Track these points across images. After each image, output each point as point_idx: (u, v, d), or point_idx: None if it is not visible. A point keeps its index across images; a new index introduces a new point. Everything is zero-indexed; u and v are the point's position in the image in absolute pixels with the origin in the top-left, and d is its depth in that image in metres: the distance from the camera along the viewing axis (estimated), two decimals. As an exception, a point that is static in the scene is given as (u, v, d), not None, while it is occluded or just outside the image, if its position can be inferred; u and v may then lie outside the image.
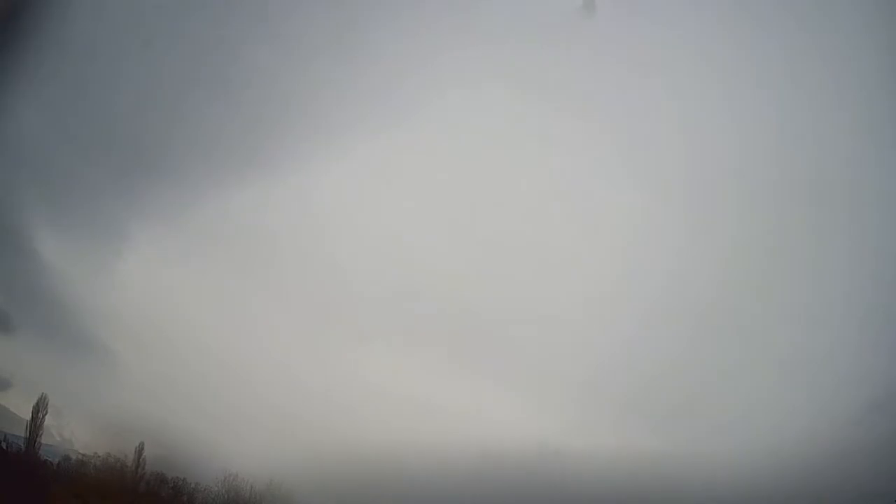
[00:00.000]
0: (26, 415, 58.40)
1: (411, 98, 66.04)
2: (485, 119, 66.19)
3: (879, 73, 58.39)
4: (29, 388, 59.32)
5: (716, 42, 63.18)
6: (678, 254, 63.24)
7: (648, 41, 64.69)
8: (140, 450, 58.94)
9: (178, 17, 64.65)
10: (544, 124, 65.65)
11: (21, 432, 58.45)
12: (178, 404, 60.38)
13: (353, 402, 59.97)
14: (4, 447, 58.48)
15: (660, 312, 63.03)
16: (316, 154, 66.30)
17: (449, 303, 65.66)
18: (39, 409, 58.14)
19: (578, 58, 64.97)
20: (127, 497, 57.26)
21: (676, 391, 60.35)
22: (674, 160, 64.56)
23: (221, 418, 60.08)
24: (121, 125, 66.70)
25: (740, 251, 63.05)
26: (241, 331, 63.78)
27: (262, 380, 61.90)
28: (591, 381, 61.26)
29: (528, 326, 64.05)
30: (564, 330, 63.54)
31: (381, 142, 66.29)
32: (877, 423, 54.55)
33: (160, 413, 59.79)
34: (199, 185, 66.27)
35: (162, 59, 64.83)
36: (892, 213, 60.22)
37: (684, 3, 65.90)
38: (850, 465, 52.15)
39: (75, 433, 62.82)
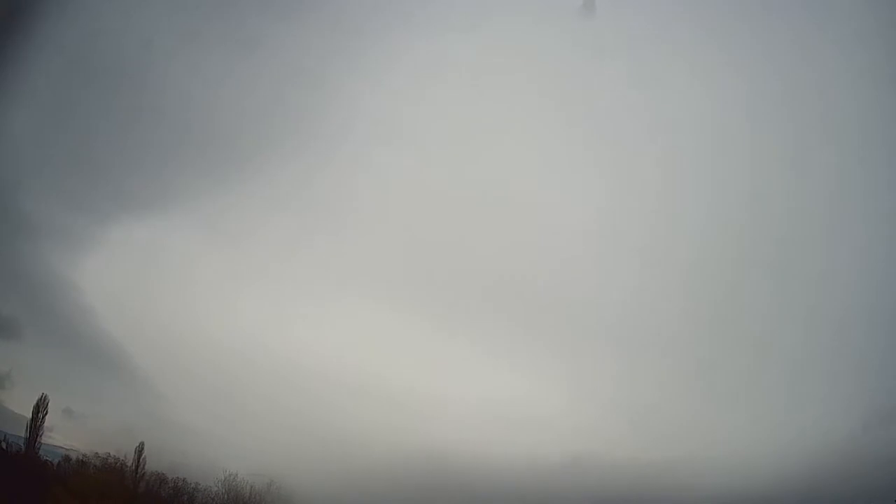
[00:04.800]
0: (27, 414, 58.35)
1: (410, 98, 66.12)
2: (486, 112, 66.28)
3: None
4: (29, 388, 59.30)
5: (721, 39, 63.05)
6: (687, 261, 63.06)
7: (650, 39, 64.64)
8: (140, 450, 58.73)
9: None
10: (546, 117, 65.69)
11: (21, 432, 58.29)
12: (180, 404, 60.46)
13: (356, 403, 59.96)
14: (4, 447, 58.15)
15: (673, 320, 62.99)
16: (321, 152, 66.50)
17: (451, 304, 65.66)
18: (39, 409, 58.01)
19: (579, 56, 64.99)
20: (127, 497, 57.01)
21: (688, 397, 60.16)
22: (679, 160, 64.41)
23: (223, 418, 60.13)
24: (120, 123, 66.97)
25: (749, 257, 62.81)
26: (243, 332, 63.71)
27: (263, 380, 61.88)
28: (609, 391, 61.23)
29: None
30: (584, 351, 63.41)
31: (384, 139, 66.52)
32: (883, 426, 54.39)
33: (161, 413, 59.97)
34: (202, 183, 66.46)
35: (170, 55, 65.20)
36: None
37: (685, 2, 65.77)
38: (854, 468, 51.86)
39: (76, 433, 62.87)
